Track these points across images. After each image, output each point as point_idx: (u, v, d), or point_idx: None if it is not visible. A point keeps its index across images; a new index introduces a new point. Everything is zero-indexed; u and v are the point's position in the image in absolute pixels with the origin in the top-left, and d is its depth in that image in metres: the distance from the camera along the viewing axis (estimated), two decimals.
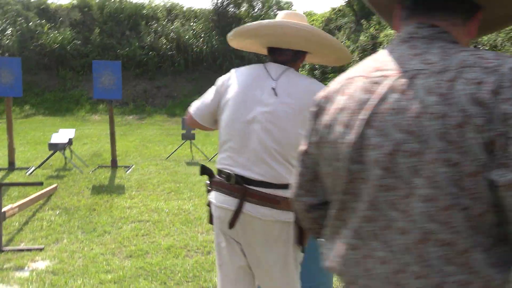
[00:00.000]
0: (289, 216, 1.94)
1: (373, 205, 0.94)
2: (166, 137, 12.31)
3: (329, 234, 1.11)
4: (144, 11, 20.79)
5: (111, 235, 4.56)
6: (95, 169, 7.72)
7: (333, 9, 20.24)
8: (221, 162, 2.00)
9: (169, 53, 19.00)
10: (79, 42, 18.61)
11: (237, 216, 1.92)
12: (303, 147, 1.17)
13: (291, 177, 1.75)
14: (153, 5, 21.70)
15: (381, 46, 13.20)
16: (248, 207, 1.91)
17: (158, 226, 4.84)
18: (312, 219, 1.20)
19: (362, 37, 14.76)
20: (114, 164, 7.84)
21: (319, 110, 1.11)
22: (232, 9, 21.95)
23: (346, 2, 17.94)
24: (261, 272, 2.03)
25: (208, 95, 2.18)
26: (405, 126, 0.88)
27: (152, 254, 4.09)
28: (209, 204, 2.09)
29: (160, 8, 21.36)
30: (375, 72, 0.99)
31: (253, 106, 1.93)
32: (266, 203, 1.90)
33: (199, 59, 19.44)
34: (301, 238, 2.01)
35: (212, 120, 2.16)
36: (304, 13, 23.93)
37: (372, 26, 14.74)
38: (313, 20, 21.25)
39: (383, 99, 0.93)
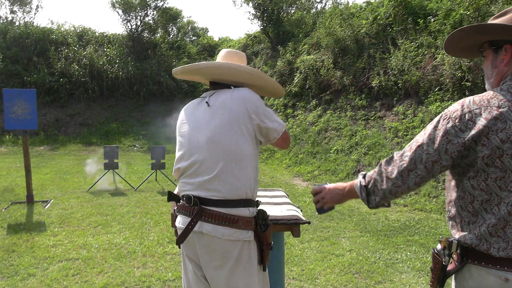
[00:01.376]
0: (249, 235, 2.02)
1: None
2: (84, 167, 11.64)
3: None
4: (53, 36, 19.77)
5: (36, 277, 4.15)
6: (8, 206, 7.05)
7: (249, 35, 20.80)
8: (182, 189, 2.12)
9: (82, 79, 18.17)
10: None
11: (187, 233, 2.01)
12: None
13: (247, 185, 2.00)
14: (62, 29, 20.74)
15: (298, 71, 13.75)
16: (207, 227, 1.98)
17: (90, 264, 4.51)
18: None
19: (279, 63, 15.28)
20: (30, 200, 7.22)
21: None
22: (147, 35, 21.66)
23: (261, 28, 18.51)
24: None
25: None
26: None
27: None
28: (176, 229, 2.19)
29: (71, 33, 20.46)
30: None
31: (196, 132, 2.09)
32: (223, 223, 1.96)
33: (115, 85, 18.81)
34: (262, 257, 2.07)
35: None
36: (220, 39, 24.36)
37: (288, 52, 15.33)
38: (230, 46, 21.62)
39: None
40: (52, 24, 20.91)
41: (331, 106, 11.92)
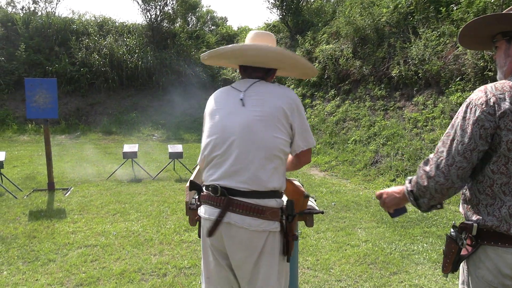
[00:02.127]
0: (275, 226, 2.03)
1: None
2: (104, 156, 11.82)
3: None
4: (74, 26, 19.98)
5: (56, 263, 4.26)
6: (30, 193, 7.22)
7: (267, 24, 20.67)
8: (208, 178, 2.08)
9: (103, 69, 18.35)
10: (3, 58, 17.48)
11: (217, 224, 1.98)
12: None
13: (274, 180, 1.98)
14: (83, 19, 20.93)
15: (317, 60, 13.63)
16: (235, 217, 1.97)
17: (108, 251, 4.60)
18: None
19: (298, 52, 15.16)
20: (51, 187, 7.38)
21: None
22: (167, 24, 21.71)
23: (280, 18, 18.38)
24: (249, 284, 2.05)
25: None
26: None
27: (105, 280, 3.88)
28: (198, 219, 2.20)
29: (91, 23, 20.63)
30: None
31: (227, 121, 2.04)
32: (251, 213, 1.96)
33: (134, 75, 18.95)
34: (287, 248, 2.07)
35: None
36: (238, 29, 24.28)
37: (307, 42, 15.19)
38: None
39: None
40: (73, 14, 21.20)
41: (350, 96, 11.79)
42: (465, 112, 1.57)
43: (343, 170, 9.20)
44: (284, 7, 17.78)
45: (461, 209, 1.72)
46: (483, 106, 1.52)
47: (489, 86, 1.57)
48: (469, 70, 8.26)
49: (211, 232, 2.01)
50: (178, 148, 9.44)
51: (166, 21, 21.67)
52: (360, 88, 11.53)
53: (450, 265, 1.69)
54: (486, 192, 1.58)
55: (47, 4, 21.27)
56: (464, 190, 1.67)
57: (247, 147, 1.97)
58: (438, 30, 9.68)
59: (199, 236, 2.20)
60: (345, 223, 5.62)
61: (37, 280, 3.88)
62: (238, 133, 1.99)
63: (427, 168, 1.64)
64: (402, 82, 10.19)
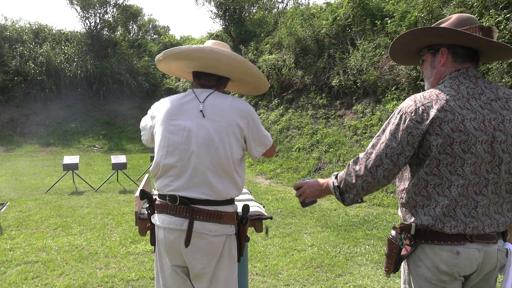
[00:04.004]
0: (232, 229, 2.13)
1: None
2: (42, 169, 11.31)
3: None
4: (7, 33, 19.00)
5: None
6: None
7: (211, 34, 20.74)
8: (164, 188, 2.08)
9: (39, 78, 17.57)
10: None
11: (190, 234, 2.01)
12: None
13: (232, 190, 2.07)
14: (17, 26, 19.97)
15: (260, 70, 13.84)
16: (196, 224, 2.02)
17: (50, 266, 4.43)
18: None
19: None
20: None
21: None
22: (107, 32, 21.19)
23: (223, 28, 18.51)
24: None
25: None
26: None
27: None
28: (150, 227, 2.21)
29: (26, 30, 19.73)
30: None
31: (187, 133, 2.04)
32: (211, 219, 2.02)
33: (73, 84, 18.30)
34: (240, 249, 2.18)
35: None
36: (181, 38, 24.11)
37: (250, 52, 15.41)
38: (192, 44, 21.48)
39: None
40: (6, 20, 20.02)
41: (293, 105, 12.09)
42: (395, 118, 1.69)
43: (288, 177, 9.40)
44: (227, 17, 17.95)
45: (399, 213, 1.83)
46: (412, 114, 1.64)
47: (419, 95, 1.69)
48: (403, 80, 8.76)
49: (186, 243, 2.01)
50: (121, 158, 9.23)
51: (106, 29, 21.16)
52: (303, 97, 11.85)
53: (392, 265, 1.78)
54: (422, 193, 1.70)
55: None
56: (403, 194, 1.78)
57: (206, 160, 2.01)
58: (374, 42, 10.19)
59: (152, 244, 2.21)
60: (291, 229, 5.75)
61: None
62: (197, 145, 2.01)
63: (357, 168, 1.75)
64: (342, 91, 10.61)
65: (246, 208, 2.19)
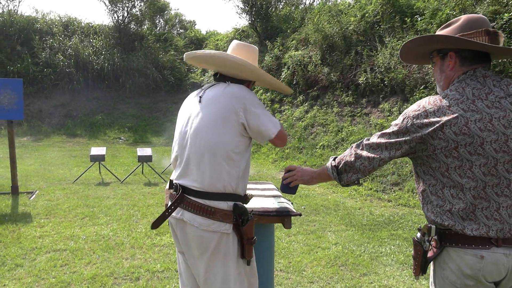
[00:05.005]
0: (226, 228, 2.06)
1: None
2: (69, 159, 11.54)
3: None
4: (38, 25, 19.44)
5: (24, 268, 4.15)
6: None
7: (236, 29, 20.76)
8: (172, 177, 2.21)
9: (67, 70, 17.94)
10: None
11: (163, 217, 2.08)
12: None
13: (225, 181, 2.04)
14: (47, 19, 20.41)
15: (286, 66, 13.80)
16: (187, 215, 2.05)
17: (78, 255, 4.52)
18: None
19: (267, 58, 15.31)
20: (15, 191, 7.16)
21: None
22: (134, 26, 21.46)
23: (249, 23, 18.50)
24: (205, 282, 2.10)
25: None
26: None
27: (76, 285, 3.81)
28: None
29: (56, 23, 20.15)
30: None
31: (186, 123, 2.16)
32: (201, 213, 2.03)
33: (100, 76, 18.63)
34: (242, 250, 2.10)
35: None
36: (207, 33, 24.21)
37: (276, 48, 15.36)
38: (217, 40, 21.56)
39: None
40: (37, 13, 20.61)
41: (318, 102, 12.01)
42: (399, 120, 1.78)
43: None
44: (253, 13, 17.92)
45: (425, 213, 1.84)
46: (414, 119, 1.70)
47: (424, 101, 1.73)
48: (432, 78, 8.59)
49: (155, 225, 2.10)
50: (147, 151, 9.35)
51: (133, 23, 21.44)
52: (328, 94, 11.76)
53: (419, 267, 1.78)
54: (438, 194, 1.72)
55: (9, 2, 20.66)
56: (424, 195, 1.78)
57: (198, 148, 2.05)
58: (403, 39, 10.01)
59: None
60: (315, 226, 5.72)
61: (4, 285, 3.77)
62: (191, 134, 2.09)
63: (358, 150, 1.87)
64: (369, 89, 10.48)
65: (237, 208, 2.06)
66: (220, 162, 2.02)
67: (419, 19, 9.90)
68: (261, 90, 14.96)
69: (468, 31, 1.71)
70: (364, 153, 1.85)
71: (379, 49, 10.45)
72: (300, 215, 2.68)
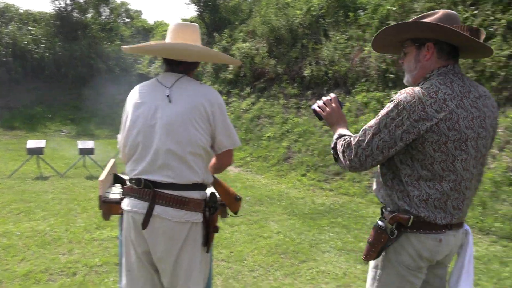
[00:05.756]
0: (198, 217, 2.08)
1: None
2: (5, 153, 10.99)
3: None
4: None
5: None
6: None
7: (184, 20, 20.46)
8: (131, 172, 2.10)
9: (4, 59, 16.97)
10: None
11: (148, 217, 1.99)
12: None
13: (196, 174, 2.04)
14: None
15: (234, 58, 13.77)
16: (158, 209, 2.00)
17: (10, 252, 4.33)
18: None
19: (215, 49, 15.21)
20: None
21: None
22: (77, 15, 20.61)
23: (197, 14, 18.28)
24: (172, 275, 2.07)
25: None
26: None
27: (7, 283, 3.66)
28: (121, 212, 2.18)
29: None
30: None
31: (151, 116, 2.05)
32: (174, 204, 2.00)
33: (40, 66, 17.78)
34: (207, 239, 2.13)
35: None
36: (155, 23, 23.69)
37: (224, 39, 15.30)
38: (164, 31, 21.11)
39: None
40: None
41: (265, 94, 12.10)
42: (392, 111, 1.67)
43: (258, 165, 9.45)
44: (201, 4, 17.71)
45: (382, 199, 1.84)
46: (411, 112, 1.63)
47: (417, 90, 1.67)
48: (373, 72, 8.89)
49: (144, 225, 2.01)
50: (89, 144, 9.07)
51: (76, 11, 20.56)
52: (275, 86, 11.88)
53: (375, 253, 1.78)
54: (414, 184, 1.72)
55: None
56: (394, 183, 1.78)
57: (167, 143, 2.00)
58: (347, 33, 10.28)
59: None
60: (259, 216, 5.80)
61: None
62: (160, 127, 2.02)
63: (347, 153, 1.78)
64: (314, 82, 10.68)
65: (213, 196, 2.16)
66: (193, 157, 2.03)
67: (361, 13, 10.20)
68: (209, 82, 14.87)
69: (447, 24, 1.70)
70: (353, 155, 1.77)
71: (323, 42, 10.67)
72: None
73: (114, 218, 2.89)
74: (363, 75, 9.22)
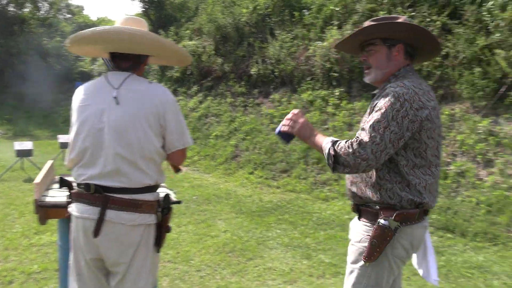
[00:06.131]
0: (151, 219, 2.03)
1: None
2: None
3: None
4: None
5: None
6: None
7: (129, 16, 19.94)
8: (79, 178, 1.99)
9: None
10: None
11: (100, 224, 1.92)
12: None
13: (149, 177, 1.98)
14: None
15: None
16: (110, 214, 1.92)
17: None
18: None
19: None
20: None
21: None
22: (13, 9, 19.57)
23: (142, 10, 17.89)
24: (123, 276, 2.01)
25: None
26: None
27: None
28: (67, 217, 2.08)
29: None
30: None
31: (98, 119, 1.95)
32: (127, 208, 1.93)
33: None
34: (159, 239, 2.09)
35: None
36: (98, 19, 23.03)
37: (170, 37, 15.05)
38: None
39: None
40: None
41: (212, 93, 12.05)
42: (395, 104, 1.73)
43: (205, 164, 9.39)
44: (146, 0, 17.34)
45: (374, 195, 1.84)
46: (412, 102, 1.75)
47: (408, 84, 1.80)
48: (318, 70, 9.08)
49: (96, 232, 1.92)
50: (27, 145, 8.64)
51: (13, 5, 19.54)
52: (222, 84, 11.85)
53: (379, 253, 1.77)
54: (411, 173, 1.81)
55: None
56: (390, 176, 1.82)
57: (117, 147, 1.92)
58: (292, 32, 10.43)
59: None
60: (206, 215, 5.77)
61: None
62: (109, 133, 1.92)
63: (362, 151, 1.71)
64: (261, 80, 10.76)
65: (167, 197, 2.12)
66: (146, 161, 1.96)
67: (306, 13, 10.38)
68: (155, 81, 14.59)
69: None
70: (370, 153, 1.73)
71: (270, 41, 10.76)
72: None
73: (54, 222, 2.77)
74: (308, 74, 9.39)
